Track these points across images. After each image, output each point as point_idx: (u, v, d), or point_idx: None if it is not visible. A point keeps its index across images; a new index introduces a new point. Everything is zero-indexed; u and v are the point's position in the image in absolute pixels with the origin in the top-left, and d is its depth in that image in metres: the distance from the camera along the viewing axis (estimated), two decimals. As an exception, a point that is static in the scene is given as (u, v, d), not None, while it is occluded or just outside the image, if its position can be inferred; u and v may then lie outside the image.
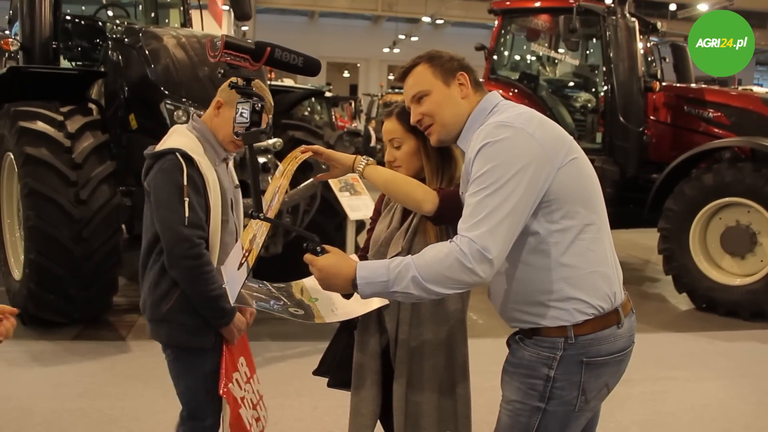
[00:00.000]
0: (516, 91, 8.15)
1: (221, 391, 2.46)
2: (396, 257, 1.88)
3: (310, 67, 2.21)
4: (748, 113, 6.99)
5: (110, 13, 7.33)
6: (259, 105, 2.11)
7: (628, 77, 7.19)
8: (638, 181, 7.30)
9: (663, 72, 8.48)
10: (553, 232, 1.88)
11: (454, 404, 2.26)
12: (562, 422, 1.94)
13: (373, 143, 18.18)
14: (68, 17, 6.63)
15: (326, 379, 2.52)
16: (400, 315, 2.22)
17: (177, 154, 2.41)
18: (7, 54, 6.38)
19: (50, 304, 4.94)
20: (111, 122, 5.69)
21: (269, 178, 2.95)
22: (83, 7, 7.59)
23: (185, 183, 2.38)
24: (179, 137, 2.52)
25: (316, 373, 2.56)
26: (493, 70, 8.49)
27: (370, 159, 2.23)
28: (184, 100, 5.19)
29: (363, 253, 2.39)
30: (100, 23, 6.80)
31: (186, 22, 7.45)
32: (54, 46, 6.01)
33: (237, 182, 2.71)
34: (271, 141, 5.02)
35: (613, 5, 7.22)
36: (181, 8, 7.51)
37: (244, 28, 26.36)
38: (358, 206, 5.47)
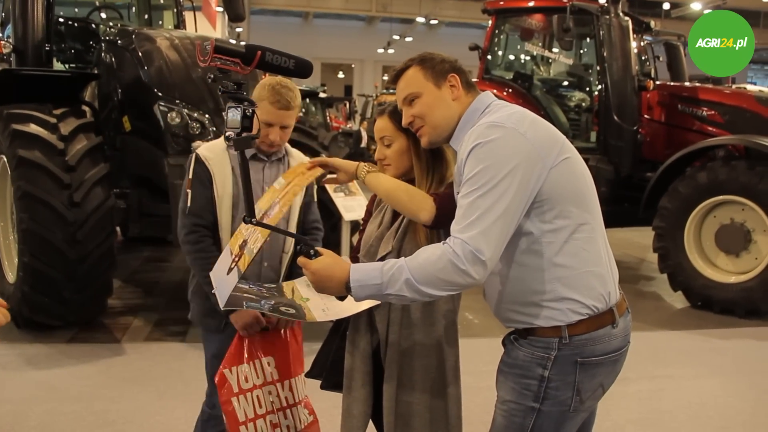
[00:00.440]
0: (510, 90, 8.14)
1: (216, 377, 2.54)
2: (389, 259, 1.88)
3: (301, 70, 2.20)
4: (741, 111, 7.00)
5: (103, 15, 7.31)
6: (250, 110, 2.09)
7: (622, 76, 7.20)
8: (633, 180, 7.31)
9: (657, 71, 8.50)
10: (547, 232, 1.87)
11: (446, 405, 2.25)
12: (556, 422, 1.94)
13: (364, 144, 18.15)
14: (61, 19, 6.62)
15: (320, 381, 2.51)
16: (390, 316, 2.22)
17: (194, 153, 2.67)
18: (-1, 56, 6.36)
19: (44, 307, 4.92)
20: (105, 124, 5.68)
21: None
22: (76, 9, 7.57)
23: (190, 177, 2.64)
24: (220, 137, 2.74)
25: (308, 375, 2.56)
26: (487, 70, 8.49)
27: (373, 166, 2.24)
28: (177, 101, 5.19)
29: (355, 254, 2.38)
30: (93, 25, 6.79)
31: (179, 24, 7.44)
32: (47, 48, 5.99)
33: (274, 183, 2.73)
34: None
35: (606, 4, 7.23)
36: (175, 10, 7.49)
37: (238, 30, 26.35)
38: (352, 207, 5.47)
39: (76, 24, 6.84)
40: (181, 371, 4.46)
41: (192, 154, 2.69)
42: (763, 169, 6.17)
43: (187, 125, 5.12)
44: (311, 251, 1.92)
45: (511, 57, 9.01)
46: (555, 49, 8.35)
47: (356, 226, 5.65)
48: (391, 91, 2.13)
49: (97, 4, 7.42)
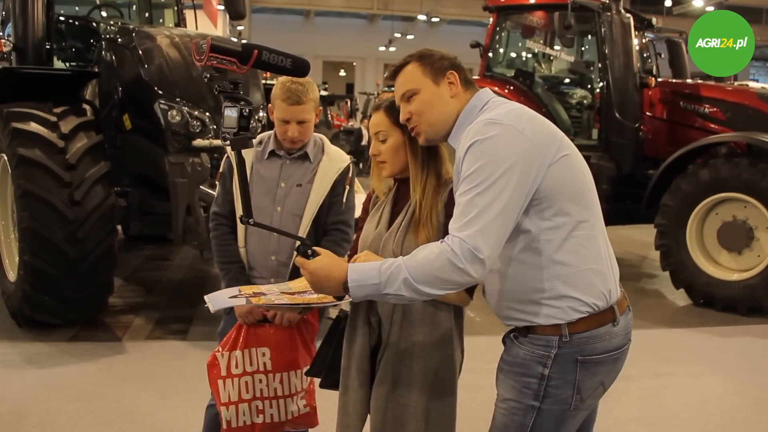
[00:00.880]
0: (511, 88, 8.13)
1: (209, 357, 2.67)
2: (387, 259, 1.87)
3: (298, 69, 2.20)
4: (743, 108, 6.98)
5: (104, 13, 7.29)
6: (247, 110, 2.09)
7: (623, 73, 7.17)
8: (634, 177, 7.29)
9: (658, 68, 8.48)
10: (546, 230, 1.86)
11: (443, 408, 2.23)
12: (557, 421, 1.93)
13: (365, 142, 18.14)
14: (61, 18, 6.60)
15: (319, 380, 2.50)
16: (392, 316, 2.20)
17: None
18: (0, 55, 6.35)
19: (45, 305, 4.91)
20: (105, 123, 5.67)
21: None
22: (77, 8, 7.57)
23: (220, 171, 2.86)
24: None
25: (308, 373, 2.55)
26: (488, 68, 8.47)
27: None
28: (177, 99, 5.18)
29: (352, 254, 2.37)
30: (93, 24, 6.77)
31: (180, 22, 7.43)
32: (47, 46, 5.98)
33: (300, 182, 2.75)
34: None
35: (608, 1, 7.20)
36: (175, 8, 7.48)
37: (239, 28, 26.33)
38: (355, 205, 5.44)
39: (76, 22, 6.83)
40: (182, 370, 4.45)
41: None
42: (766, 166, 6.15)
43: (188, 123, 5.11)
44: (309, 251, 1.92)
45: (513, 54, 8.99)
46: (556, 47, 8.34)
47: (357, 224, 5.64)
48: (392, 89, 2.12)
49: (98, 2, 7.39)
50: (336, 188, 2.78)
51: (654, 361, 4.94)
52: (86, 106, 5.57)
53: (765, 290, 6.13)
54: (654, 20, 8.36)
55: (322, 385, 2.48)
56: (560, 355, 1.89)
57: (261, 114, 5.47)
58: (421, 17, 31.63)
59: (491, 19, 8.54)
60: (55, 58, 6.25)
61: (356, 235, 2.41)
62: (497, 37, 8.57)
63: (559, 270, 1.86)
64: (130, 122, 5.52)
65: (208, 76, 2.17)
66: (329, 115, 17.60)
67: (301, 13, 36.22)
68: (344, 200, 2.81)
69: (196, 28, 7.17)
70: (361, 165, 15.53)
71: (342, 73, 41.91)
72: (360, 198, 5.51)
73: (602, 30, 7.28)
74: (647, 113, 7.55)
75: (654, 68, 8.28)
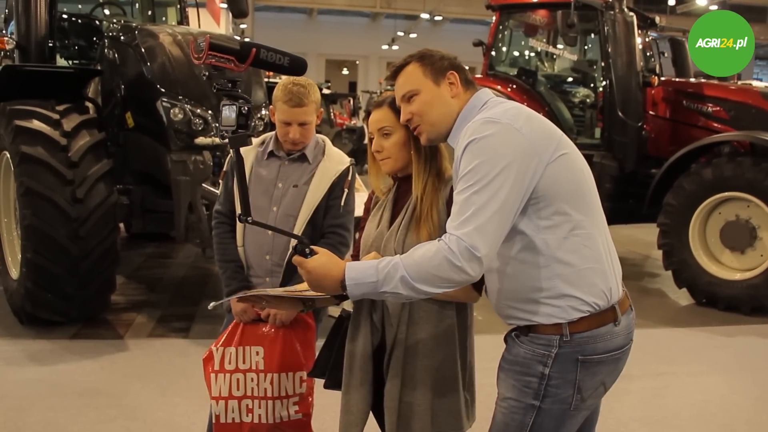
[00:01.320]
0: (514, 86, 8.12)
1: (205, 352, 2.72)
2: (385, 257, 1.88)
3: (296, 67, 2.21)
4: (747, 107, 6.96)
5: (107, 11, 7.31)
6: (246, 108, 2.09)
7: (626, 72, 7.16)
8: (637, 176, 7.28)
9: (662, 67, 8.46)
10: (544, 229, 1.86)
11: (449, 405, 2.24)
12: (557, 420, 1.93)
13: (367, 140, 18.12)
14: (64, 15, 6.62)
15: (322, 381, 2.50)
16: (400, 314, 2.19)
17: None
18: (2, 53, 6.36)
19: (48, 303, 4.92)
20: (108, 121, 5.68)
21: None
22: (79, 6, 7.57)
23: (224, 169, 2.89)
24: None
25: (311, 374, 2.56)
26: (491, 66, 8.47)
27: None
28: (180, 97, 5.18)
29: (355, 254, 2.37)
30: (96, 21, 6.78)
31: (183, 20, 7.43)
32: (50, 44, 5.99)
33: (297, 183, 2.75)
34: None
35: (611, 0, 7.19)
36: (178, 6, 7.48)
37: (242, 26, 26.33)
38: (357, 204, 5.43)
39: (79, 20, 6.83)
40: (184, 367, 4.46)
41: None
42: (769, 166, 6.13)
43: (190, 121, 5.12)
44: (307, 250, 1.92)
45: (516, 53, 8.98)
46: (559, 45, 8.33)
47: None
48: (393, 87, 2.12)
49: (101, 0, 7.40)
50: (334, 190, 2.77)
51: (656, 361, 4.94)
52: (89, 104, 5.58)
53: (767, 290, 6.11)
54: (657, 19, 8.36)
55: (326, 386, 2.47)
56: (561, 355, 1.88)
57: (263, 112, 5.47)
58: (424, 16, 31.62)
59: (494, 18, 8.53)
60: (57, 56, 6.25)
61: (358, 235, 2.40)
62: (500, 35, 8.56)
63: (560, 269, 1.86)
64: (133, 120, 5.53)
65: (207, 74, 2.17)
66: (332, 114, 17.59)
67: (304, 11, 36.22)
68: (342, 203, 2.80)
69: (199, 26, 7.18)
70: (365, 165, 15.52)
71: (345, 71, 41.93)
72: (362, 197, 5.50)
73: (605, 29, 7.26)
74: (650, 112, 7.53)
75: (657, 67, 8.26)
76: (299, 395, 2.74)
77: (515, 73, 8.50)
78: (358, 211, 5.07)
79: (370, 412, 2.31)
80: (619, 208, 7.00)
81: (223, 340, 2.73)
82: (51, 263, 4.76)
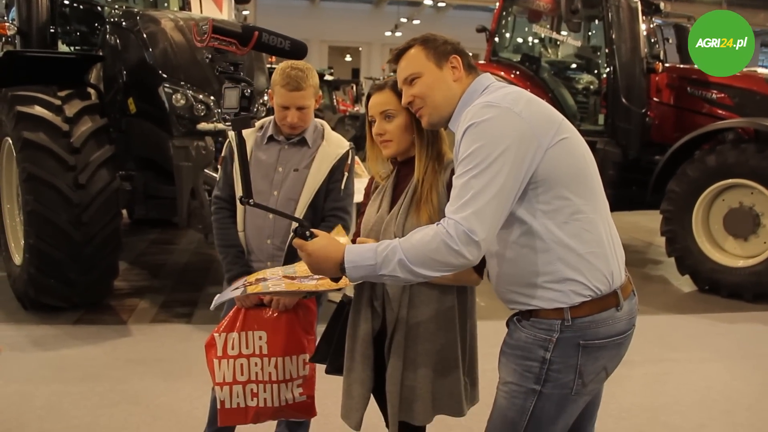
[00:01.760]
0: (518, 73, 8.09)
1: (207, 339, 2.72)
2: (384, 240, 1.88)
3: (297, 51, 2.21)
4: (751, 94, 6.93)
5: (108, -4, 7.27)
6: (248, 90, 2.09)
7: (630, 58, 7.13)
8: (641, 163, 7.26)
9: (666, 53, 8.41)
10: (545, 213, 1.85)
11: (449, 387, 2.24)
12: (558, 405, 1.92)
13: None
14: (66, 1, 6.57)
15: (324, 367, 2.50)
16: (400, 296, 2.20)
17: None
18: (4, 38, 6.34)
19: (51, 288, 4.94)
20: (110, 106, 5.67)
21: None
22: (81, -9, 7.53)
23: (222, 155, 2.88)
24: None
25: (312, 360, 2.56)
26: (494, 52, 8.43)
27: None
28: (182, 83, 5.17)
29: (355, 238, 2.37)
30: (98, 7, 6.76)
31: (185, 6, 7.40)
32: (52, 30, 5.97)
33: (297, 167, 2.75)
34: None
35: (615, -15, 7.15)
36: (181, -8, 7.45)
37: (245, 13, 26.23)
38: (359, 189, 5.43)
39: (80, 6, 6.80)
40: (186, 353, 4.47)
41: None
42: (773, 152, 6.11)
43: (192, 107, 5.10)
44: (307, 233, 1.93)
45: (519, 39, 8.94)
46: (563, 31, 8.29)
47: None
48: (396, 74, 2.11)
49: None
50: (334, 174, 2.78)
51: (658, 347, 4.94)
52: (91, 90, 5.56)
53: (771, 277, 6.11)
54: (662, 5, 8.28)
55: (327, 371, 2.48)
56: (562, 339, 1.88)
57: (266, 98, 5.46)
58: (428, 2, 31.50)
59: (497, 4, 8.50)
60: (59, 42, 6.23)
61: (359, 220, 2.40)
62: (503, 21, 8.52)
63: (561, 253, 1.86)
64: (135, 106, 5.52)
65: (209, 56, 2.19)
66: (335, 100, 17.55)
67: (307, -3, 36.08)
68: (342, 187, 2.81)
69: (201, 12, 7.15)
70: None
71: (348, 58, 41.77)
72: (363, 182, 5.51)
73: (609, 14, 7.23)
74: (654, 98, 7.50)
75: (661, 53, 8.22)
76: (303, 377, 2.75)
77: (519, 59, 8.46)
78: (358, 196, 5.07)
79: (371, 396, 2.32)
80: (622, 195, 6.99)
81: (225, 325, 2.73)
82: (53, 249, 4.77)
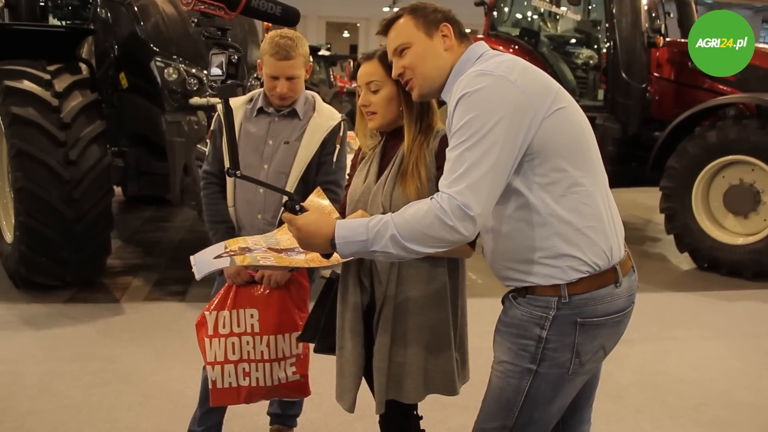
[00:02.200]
0: (516, 47, 7.99)
1: (198, 317, 2.68)
2: (375, 215, 1.81)
3: (288, 17, 2.13)
4: (753, 69, 6.83)
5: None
6: (236, 57, 2.01)
7: (631, 33, 7.05)
8: (640, 139, 7.19)
9: (667, 27, 8.30)
10: (541, 186, 1.78)
11: (442, 364, 2.19)
12: (555, 385, 1.87)
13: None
14: (56, -27, 6.47)
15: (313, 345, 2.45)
16: (388, 272, 2.14)
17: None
18: (-8, 12, 6.24)
19: (42, 266, 4.88)
20: (102, 81, 5.59)
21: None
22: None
23: (211, 129, 2.81)
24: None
25: (300, 338, 2.50)
26: (493, 26, 8.33)
27: None
28: (174, 57, 5.10)
29: (342, 209, 2.30)
30: (89, -20, 6.64)
31: (178, -21, 7.28)
32: (41, 3, 5.87)
33: (288, 139, 2.68)
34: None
35: (616, -42, 7.04)
36: (173, -35, 7.31)
37: (241, -12, 26.01)
38: (347, 165, 5.38)
39: (71, -22, 6.69)
40: (179, 331, 4.42)
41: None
42: (775, 128, 6.04)
43: (185, 81, 5.03)
44: (297, 207, 1.86)
45: (518, 13, 8.82)
46: (562, 5, 8.17)
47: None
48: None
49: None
50: (326, 147, 2.71)
51: (657, 325, 4.90)
52: (82, 65, 5.47)
53: (770, 254, 6.06)
54: (663, -22, 8.17)
55: (316, 350, 2.43)
56: (559, 317, 1.82)
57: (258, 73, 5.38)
58: (426, -23, 31.18)
59: (497, -23, 8.35)
60: (50, 16, 6.13)
61: (345, 191, 2.34)
62: (502, -5, 8.40)
63: (558, 227, 1.79)
64: (127, 81, 5.44)
65: (195, 20, 2.10)
66: (332, 76, 17.42)
67: (305, -28, 35.74)
68: (334, 159, 2.73)
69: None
70: None
71: (346, 34, 41.49)
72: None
73: (610, -12, 7.12)
74: (654, 74, 7.41)
75: (662, 28, 8.11)
76: (296, 356, 2.71)
77: (517, 33, 8.36)
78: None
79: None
80: (622, 171, 6.92)
81: (215, 304, 2.67)
82: (44, 226, 4.71)
